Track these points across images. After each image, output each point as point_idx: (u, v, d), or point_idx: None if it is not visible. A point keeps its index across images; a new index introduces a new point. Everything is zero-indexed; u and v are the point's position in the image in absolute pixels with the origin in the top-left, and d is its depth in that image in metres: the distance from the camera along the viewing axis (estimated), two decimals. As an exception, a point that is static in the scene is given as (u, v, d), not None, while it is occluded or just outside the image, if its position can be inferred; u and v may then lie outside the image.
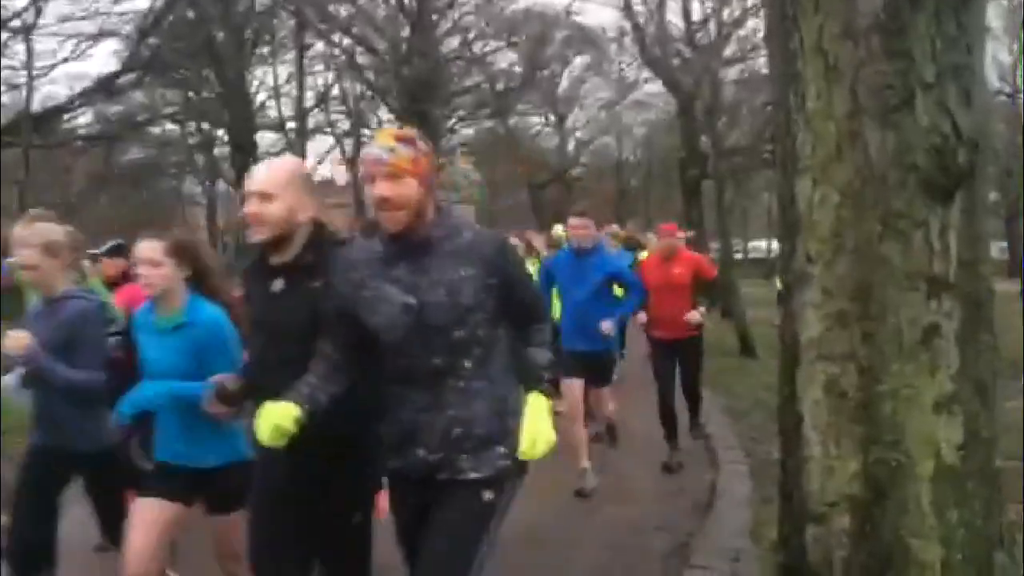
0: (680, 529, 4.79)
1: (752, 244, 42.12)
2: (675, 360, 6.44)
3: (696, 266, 6.51)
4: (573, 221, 5.84)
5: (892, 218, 2.37)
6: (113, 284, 4.61)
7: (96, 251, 4.91)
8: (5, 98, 18.82)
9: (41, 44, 21.36)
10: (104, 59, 43.92)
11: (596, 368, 5.83)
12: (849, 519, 2.43)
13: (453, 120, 29.77)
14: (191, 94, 24.74)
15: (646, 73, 25.99)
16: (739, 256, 32.37)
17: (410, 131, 2.45)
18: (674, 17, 20.90)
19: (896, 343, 2.38)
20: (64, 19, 19.62)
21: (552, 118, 35.50)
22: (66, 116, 21.57)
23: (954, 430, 2.40)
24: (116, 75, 20.60)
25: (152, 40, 20.82)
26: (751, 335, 11.90)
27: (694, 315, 6.29)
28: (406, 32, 24.43)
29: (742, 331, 12.18)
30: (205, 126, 28.21)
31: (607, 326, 5.57)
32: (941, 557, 2.37)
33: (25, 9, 17.51)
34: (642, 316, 6.23)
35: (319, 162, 30.99)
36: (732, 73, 21.49)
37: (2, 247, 4.02)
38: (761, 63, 17.83)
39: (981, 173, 2.43)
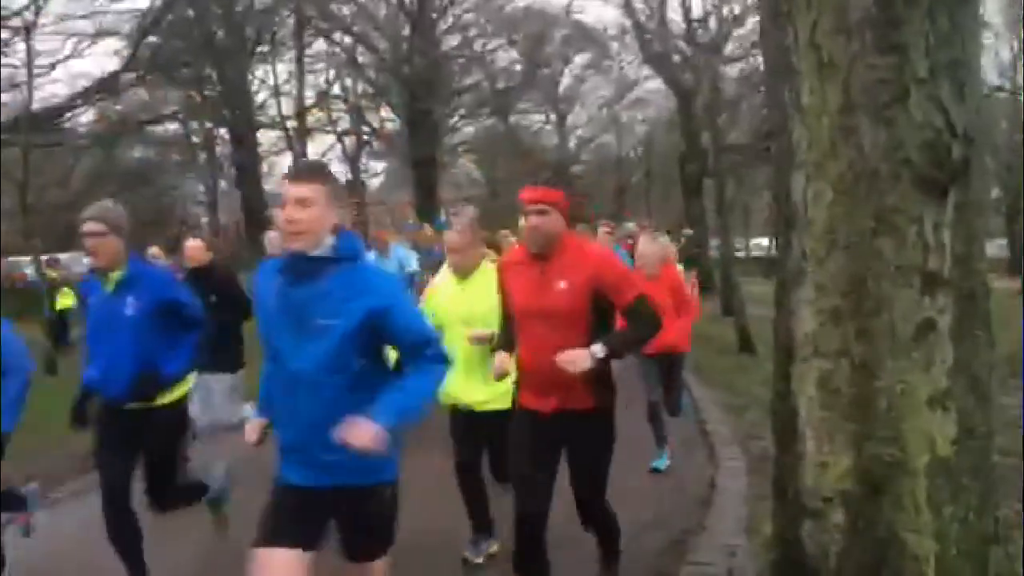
0: (677, 525, 4.79)
1: (754, 241, 42.09)
2: (560, 455, 3.46)
3: (604, 271, 3.38)
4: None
5: (886, 214, 2.36)
6: None
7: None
8: (6, 97, 18.85)
9: (43, 44, 21.38)
10: (105, 58, 43.84)
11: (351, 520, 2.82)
12: (844, 515, 2.43)
13: (455, 119, 29.79)
14: (192, 93, 24.76)
15: (646, 71, 26.03)
16: (741, 254, 32.38)
17: None
18: (674, 15, 20.94)
19: (890, 339, 2.38)
20: (64, 18, 19.66)
21: (553, 116, 35.54)
22: (68, 115, 21.59)
23: (949, 425, 2.40)
24: (117, 74, 20.62)
25: (153, 38, 20.83)
26: (751, 332, 11.90)
27: (574, 358, 3.21)
28: (406, 31, 24.45)
29: (742, 328, 12.19)
30: (207, 124, 28.26)
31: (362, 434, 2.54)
32: (936, 552, 2.37)
33: (26, 7, 17.53)
34: (502, 359, 3.53)
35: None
36: (732, 70, 21.52)
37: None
38: (762, 60, 17.83)
39: (976, 169, 2.43)
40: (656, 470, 6.03)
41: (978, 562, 2.42)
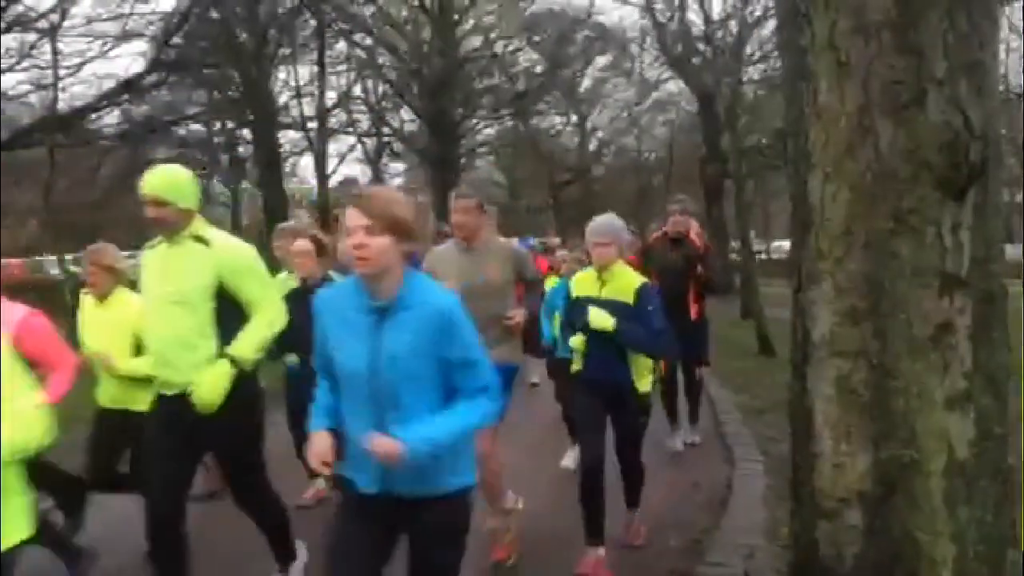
0: (695, 526, 4.79)
1: (775, 244, 41.79)
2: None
3: None
4: None
5: (904, 214, 2.36)
6: None
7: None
8: (33, 97, 19.11)
9: (70, 45, 21.58)
10: (131, 59, 44.40)
11: None
12: (860, 515, 2.43)
13: (475, 120, 29.84)
14: (215, 94, 24.96)
15: (667, 72, 25.99)
16: (762, 256, 32.16)
17: None
18: (695, 16, 20.91)
19: (907, 340, 2.38)
20: (90, 20, 19.87)
21: (573, 118, 35.52)
22: (93, 116, 21.79)
23: (967, 427, 2.39)
24: (142, 76, 20.81)
25: (176, 40, 21.00)
26: (770, 334, 11.83)
27: None
28: (427, 32, 24.53)
29: (761, 330, 12.13)
30: (229, 126, 28.48)
31: None
32: (952, 554, 2.37)
33: (52, 10, 17.76)
34: None
35: (340, 161, 31.22)
36: (754, 72, 21.44)
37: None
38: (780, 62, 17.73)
39: (994, 169, 2.42)
40: None
41: (995, 564, 2.41)
